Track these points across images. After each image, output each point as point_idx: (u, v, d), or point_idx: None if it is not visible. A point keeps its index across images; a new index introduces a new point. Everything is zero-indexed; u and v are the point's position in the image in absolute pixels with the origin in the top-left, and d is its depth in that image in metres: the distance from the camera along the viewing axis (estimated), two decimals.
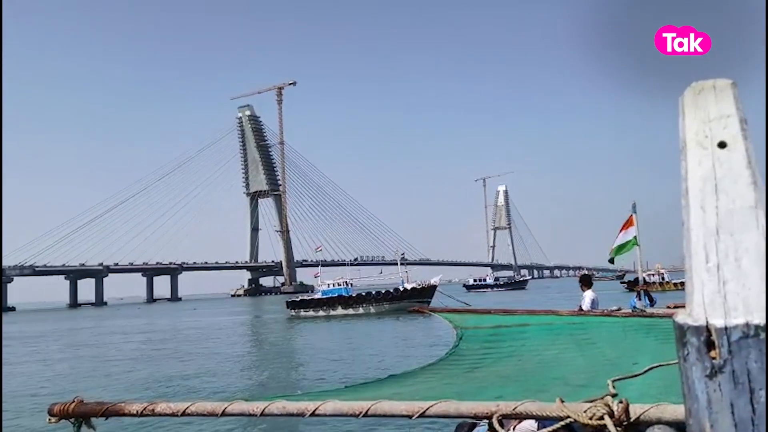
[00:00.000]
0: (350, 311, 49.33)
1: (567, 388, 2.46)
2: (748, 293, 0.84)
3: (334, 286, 54.32)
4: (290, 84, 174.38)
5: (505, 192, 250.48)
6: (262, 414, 1.77)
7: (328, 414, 1.67)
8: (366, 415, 1.60)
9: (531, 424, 4.23)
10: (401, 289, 51.32)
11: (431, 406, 1.51)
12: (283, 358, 23.06)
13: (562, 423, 1.34)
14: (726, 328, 0.84)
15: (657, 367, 2.48)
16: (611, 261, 10.96)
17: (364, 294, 52.34)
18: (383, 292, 52.16)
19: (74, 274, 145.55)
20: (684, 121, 0.93)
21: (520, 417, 1.47)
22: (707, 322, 0.85)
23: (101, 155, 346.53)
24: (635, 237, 10.66)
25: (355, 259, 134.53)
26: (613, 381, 2.21)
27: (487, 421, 4.80)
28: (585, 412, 1.30)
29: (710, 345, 0.85)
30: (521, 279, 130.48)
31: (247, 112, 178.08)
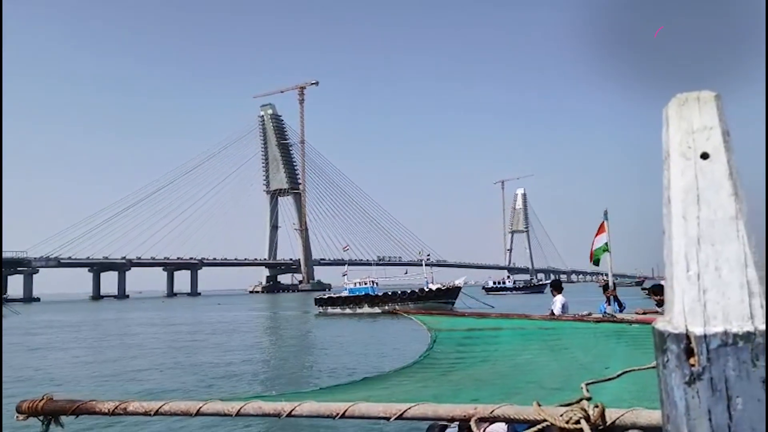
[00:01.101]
0: (376, 309, 49.73)
1: (542, 392, 2.49)
2: (727, 302, 0.86)
3: (360, 284, 55.87)
4: (312, 84, 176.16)
5: (524, 195, 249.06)
6: (238, 414, 1.75)
7: (305, 415, 1.66)
8: (343, 416, 1.60)
9: (501, 426, 4.26)
10: (426, 289, 52.25)
11: (409, 408, 1.51)
12: (318, 351, 23.99)
13: (539, 426, 1.36)
14: (705, 336, 0.85)
15: (629, 371, 2.52)
16: (596, 263, 11.13)
17: (390, 293, 53.67)
18: (409, 292, 53.49)
19: (98, 267, 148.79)
20: (668, 132, 0.95)
21: (498, 420, 1.48)
22: (687, 329, 0.87)
23: (128, 152, 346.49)
24: (606, 243, 10.83)
25: (381, 259, 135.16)
26: (587, 384, 2.24)
27: (458, 423, 4.80)
28: (561, 415, 1.31)
29: (689, 352, 0.87)
30: (539, 283, 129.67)
31: (269, 111, 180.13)
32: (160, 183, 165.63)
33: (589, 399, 1.89)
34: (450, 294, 50.68)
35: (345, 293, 55.26)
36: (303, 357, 22.19)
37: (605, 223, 10.77)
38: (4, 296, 79.54)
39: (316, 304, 54.12)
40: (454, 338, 4.59)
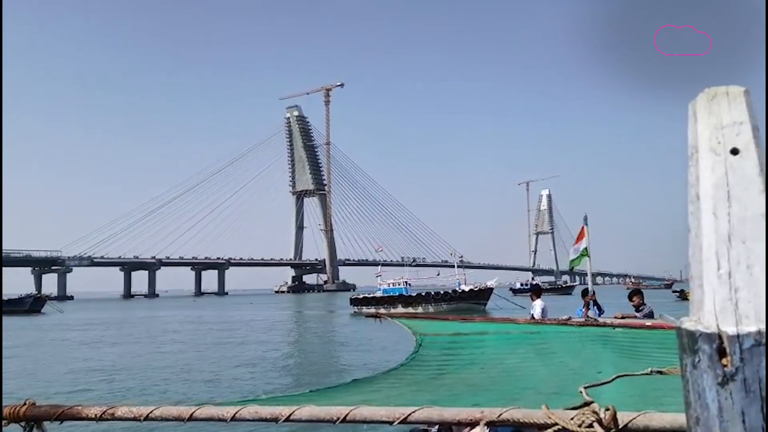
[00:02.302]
0: (410, 309, 50.14)
1: (540, 396, 2.47)
2: (759, 301, 0.84)
3: (393, 285, 56.71)
4: (338, 85, 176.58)
5: (549, 196, 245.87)
6: (233, 419, 1.70)
7: (304, 419, 1.62)
8: (344, 420, 1.56)
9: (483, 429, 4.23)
10: (459, 290, 52.85)
11: (413, 412, 1.47)
12: (362, 346, 24.68)
13: (550, 430, 1.33)
14: (738, 336, 0.83)
15: (623, 376, 2.52)
16: (571, 269, 11.22)
17: (423, 294, 54.66)
18: (442, 292, 54.25)
19: (128, 266, 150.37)
20: (696, 127, 0.93)
21: (506, 424, 1.45)
22: (719, 329, 0.85)
23: (160, 153, 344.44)
24: (586, 248, 10.92)
25: (413, 260, 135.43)
26: (586, 388, 2.22)
27: (438, 427, 4.76)
28: (573, 419, 1.29)
29: (721, 352, 0.84)
30: (564, 284, 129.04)
31: (295, 113, 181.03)
32: (189, 184, 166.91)
33: (590, 403, 1.87)
34: (482, 295, 51.47)
35: (379, 293, 56.36)
36: (349, 353, 22.87)
37: (585, 228, 10.86)
38: (46, 295, 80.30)
39: (351, 304, 55.32)
40: (439, 342, 4.56)
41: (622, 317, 7.60)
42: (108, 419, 1.92)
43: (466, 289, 53.08)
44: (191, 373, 17.74)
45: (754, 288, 0.85)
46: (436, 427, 5.58)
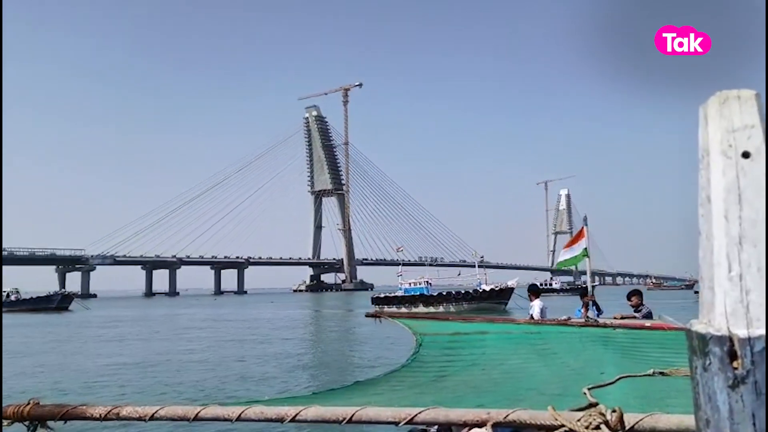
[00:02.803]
0: (431, 309, 50.62)
1: (544, 398, 2.47)
2: None
3: (415, 285, 57.33)
4: (356, 85, 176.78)
5: (567, 196, 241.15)
6: (238, 419, 1.70)
7: (309, 420, 1.62)
8: (350, 421, 1.56)
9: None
10: (480, 290, 53.07)
11: (419, 413, 1.47)
12: (379, 344, 24.80)
13: None
14: (749, 339, 0.84)
15: (626, 377, 2.52)
16: (558, 269, 11.27)
17: (444, 293, 55.13)
18: (463, 292, 54.56)
19: (150, 265, 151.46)
20: (707, 130, 0.93)
21: (512, 425, 1.45)
22: (730, 331, 0.85)
23: (181, 152, 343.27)
24: (585, 249, 10.91)
25: (434, 260, 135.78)
26: (589, 389, 2.22)
27: (437, 427, 4.75)
28: (579, 420, 1.29)
29: (732, 355, 0.85)
30: (584, 285, 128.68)
31: (314, 113, 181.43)
32: (209, 183, 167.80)
33: (596, 405, 1.87)
34: (503, 295, 51.49)
35: (400, 293, 56.85)
36: (371, 350, 23.10)
37: (585, 228, 10.86)
38: (73, 293, 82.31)
39: (372, 303, 55.97)
40: (439, 342, 4.56)
41: (622, 317, 7.60)
42: (113, 419, 1.92)
43: (487, 288, 53.33)
44: (223, 368, 18.31)
45: (765, 291, 0.85)
46: (435, 428, 5.58)
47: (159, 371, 17.87)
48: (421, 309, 51.23)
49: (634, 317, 7.96)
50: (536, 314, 10.27)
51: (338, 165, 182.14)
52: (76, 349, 25.27)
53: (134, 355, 22.01)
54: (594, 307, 10.37)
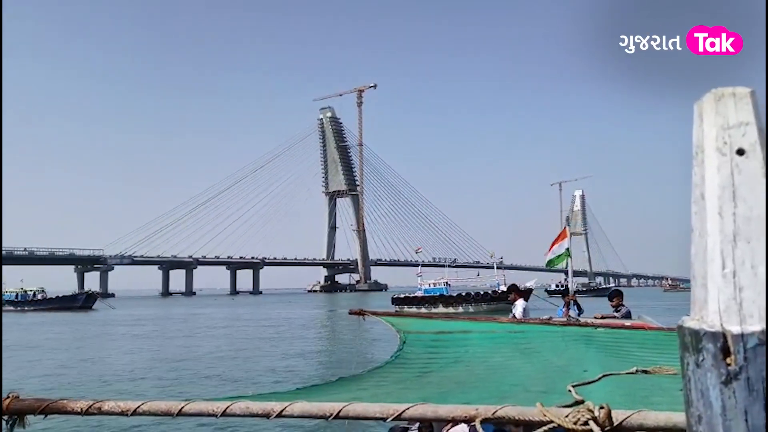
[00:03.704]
0: (450, 309, 51.06)
1: (529, 394, 2.47)
2: (763, 301, 0.85)
3: (434, 285, 57.69)
4: (371, 87, 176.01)
5: (582, 196, 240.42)
6: (223, 414, 1.68)
7: (296, 415, 1.60)
8: (337, 417, 1.55)
9: (463, 428, 4.25)
10: (498, 290, 52.96)
11: (408, 409, 1.46)
12: (393, 342, 26.17)
13: (546, 428, 1.33)
14: (742, 335, 0.84)
15: (609, 375, 2.54)
16: (548, 266, 11.36)
17: (463, 294, 55.64)
18: (482, 293, 54.92)
19: (167, 265, 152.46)
20: (701, 127, 0.93)
21: (500, 421, 1.45)
22: (723, 328, 0.85)
23: (198, 154, 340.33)
24: (567, 249, 11.03)
25: (454, 261, 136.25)
26: (574, 386, 2.23)
27: (419, 425, 4.77)
28: (567, 416, 1.29)
29: (725, 351, 0.85)
30: (599, 286, 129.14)
31: (329, 114, 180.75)
32: (224, 185, 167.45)
33: (582, 402, 1.88)
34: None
35: (419, 293, 57.13)
36: (389, 348, 24.11)
37: (567, 229, 10.98)
38: (97, 292, 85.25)
39: (392, 303, 56.13)
40: (423, 340, 4.57)
41: (602, 317, 7.68)
42: (94, 413, 1.89)
43: (505, 289, 53.83)
44: (248, 363, 19.23)
45: (758, 288, 0.85)
46: (417, 424, 5.58)
47: (189, 366, 18.63)
48: (440, 309, 51.85)
49: (614, 317, 8.06)
50: (519, 314, 10.35)
51: (352, 166, 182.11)
52: (110, 345, 26.51)
53: (158, 351, 23.11)
54: (575, 307, 10.48)
